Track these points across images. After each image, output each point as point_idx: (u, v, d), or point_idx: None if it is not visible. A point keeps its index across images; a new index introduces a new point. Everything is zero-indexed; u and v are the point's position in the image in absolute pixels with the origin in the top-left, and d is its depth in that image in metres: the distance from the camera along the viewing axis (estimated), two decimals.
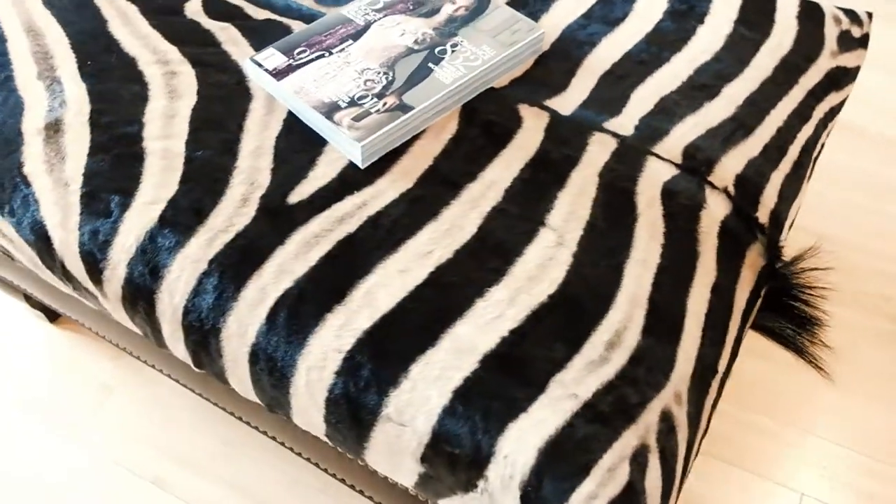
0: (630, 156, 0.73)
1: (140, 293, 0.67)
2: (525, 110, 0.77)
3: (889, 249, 1.16)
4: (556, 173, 0.71)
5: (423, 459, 0.59)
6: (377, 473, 0.74)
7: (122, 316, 0.73)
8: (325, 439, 0.67)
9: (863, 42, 0.95)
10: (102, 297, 0.72)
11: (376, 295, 0.62)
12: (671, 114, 0.78)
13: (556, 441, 0.55)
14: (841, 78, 0.91)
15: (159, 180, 0.71)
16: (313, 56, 0.79)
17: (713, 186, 0.73)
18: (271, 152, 0.73)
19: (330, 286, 0.63)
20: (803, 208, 1.21)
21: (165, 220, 0.68)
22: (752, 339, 1.05)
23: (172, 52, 0.83)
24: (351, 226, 0.66)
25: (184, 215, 0.68)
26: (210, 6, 0.90)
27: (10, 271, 1.00)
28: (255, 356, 0.63)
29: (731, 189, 0.73)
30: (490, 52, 0.79)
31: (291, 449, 0.89)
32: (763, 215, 0.74)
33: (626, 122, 0.77)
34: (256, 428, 0.89)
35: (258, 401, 0.69)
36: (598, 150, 0.73)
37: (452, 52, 0.79)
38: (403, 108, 0.73)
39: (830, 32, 0.91)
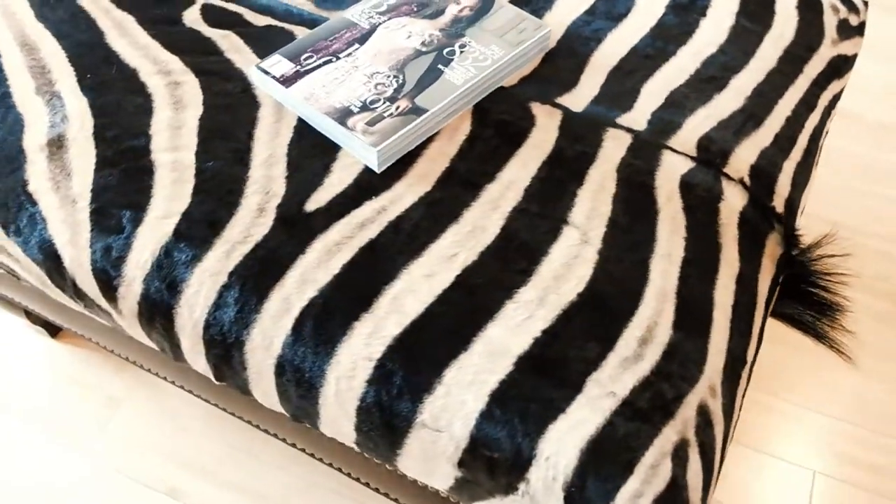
0: (645, 150, 0.73)
1: (157, 309, 0.66)
2: (537, 108, 0.77)
3: (891, 232, 1.18)
4: (574, 171, 0.71)
5: (461, 464, 0.58)
6: (405, 477, 0.73)
7: (137, 332, 0.71)
8: (354, 447, 0.66)
9: (860, 30, 0.96)
10: (117, 314, 0.71)
11: (403, 301, 0.61)
12: (682, 107, 0.78)
13: (597, 440, 0.54)
14: (841, 66, 0.91)
15: (171, 193, 0.69)
16: (321, 61, 0.78)
17: (729, 178, 0.73)
18: (284, 160, 0.72)
19: (355, 294, 0.61)
20: (810, 195, 1.22)
21: (180, 234, 0.66)
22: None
23: (174, 61, 0.81)
24: (372, 231, 0.65)
25: (199, 228, 0.67)
26: (209, 14, 0.88)
27: (11, 288, 0.98)
28: (282, 368, 0.62)
29: (747, 180, 0.73)
30: (499, 51, 0.78)
31: (312, 455, 0.87)
32: (779, 204, 0.74)
33: (638, 116, 0.77)
34: (275, 435, 0.88)
35: (282, 411, 0.68)
36: (614, 146, 0.73)
37: (461, 52, 0.78)
38: (417, 110, 0.72)
39: (829, 21, 0.92)
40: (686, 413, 0.57)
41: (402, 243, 0.64)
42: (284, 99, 0.76)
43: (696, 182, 0.71)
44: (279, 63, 0.78)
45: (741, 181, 0.73)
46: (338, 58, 0.78)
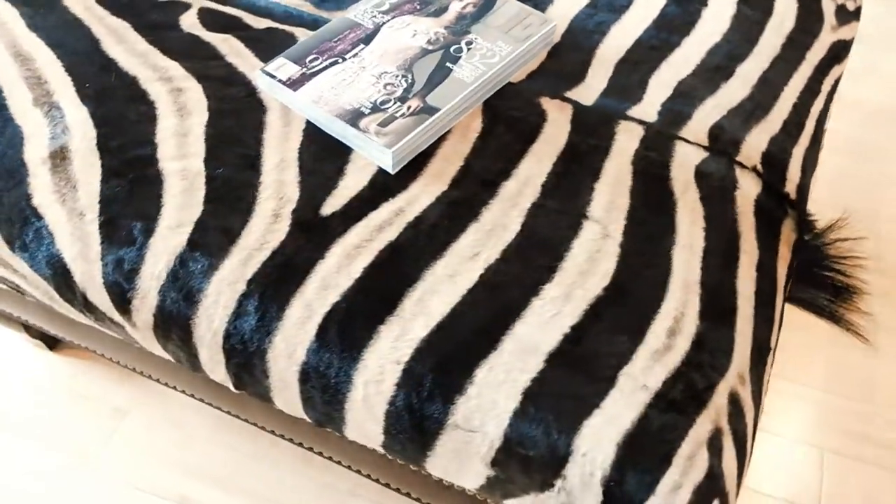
0: (659, 142, 0.73)
1: (174, 320, 0.65)
2: (547, 103, 0.76)
3: (885, 212, 1.19)
4: (590, 165, 0.70)
5: (494, 463, 0.57)
6: (428, 476, 0.73)
7: (151, 344, 0.70)
8: (380, 449, 0.65)
9: (856, 15, 0.97)
10: (130, 327, 0.69)
11: (429, 302, 0.60)
12: (691, 97, 0.78)
13: (633, 434, 0.54)
14: (841, 51, 0.92)
15: (182, 202, 0.68)
16: (327, 63, 0.76)
17: (742, 166, 0.73)
18: (296, 164, 0.71)
19: (379, 297, 0.61)
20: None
21: (194, 243, 0.65)
22: None
23: (174, 67, 0.80)
24: (391, 233, 0.65)
25: (213, 236, 0.65)
26: (207, 18, 0.87)
27: (11, 303, 0.96)
28: (306, 375, 0.61)
29: (760, 167, 0.73)
30: (506, 47, 0.78)
31: (330, 458, 0.86)
32: (791, 190, 0.74)
33: (648, 108, 0.77)
34: (291, 440, 0.86)
35: (305, 418, 0.67)
36: (627, 139, 0.73)
37: (468, 49, 0.78)
38: (429, 110, 0.71)
39: (828, 7, 0.93)
40: (718, 402, 0.57)
41: (422, 244, 0.64)
42: (292, 102, 0.75)
43: (710, 171, 0.71)
44: (284, 66, 0.76)
45: (754, 169, 0.73)
46: (344, 59, 0.77)
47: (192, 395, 0.93)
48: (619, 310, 0.60)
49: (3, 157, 0.73)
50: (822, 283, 0.72)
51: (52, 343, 1.14)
